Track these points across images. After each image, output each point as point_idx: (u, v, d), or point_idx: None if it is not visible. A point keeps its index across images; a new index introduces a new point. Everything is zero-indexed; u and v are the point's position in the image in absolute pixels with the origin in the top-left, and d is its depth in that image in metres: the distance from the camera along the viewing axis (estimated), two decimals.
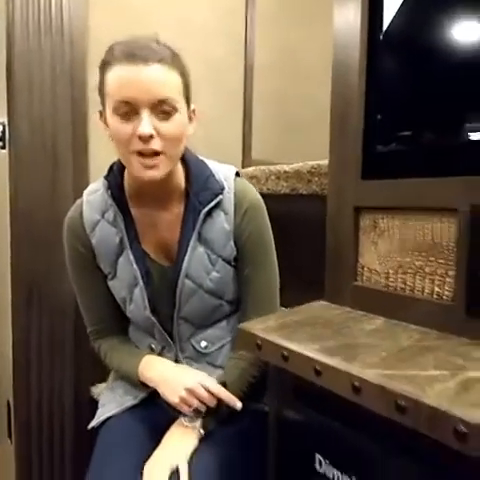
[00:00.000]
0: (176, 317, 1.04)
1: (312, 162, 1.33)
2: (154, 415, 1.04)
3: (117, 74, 0.87)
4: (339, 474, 0.64)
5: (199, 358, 1.06)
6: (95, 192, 1.06)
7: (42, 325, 1.54)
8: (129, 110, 0.87)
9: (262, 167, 1.55)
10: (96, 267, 1.06)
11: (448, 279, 0.66)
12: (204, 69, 1.77)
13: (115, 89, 0.88)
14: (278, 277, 1.07)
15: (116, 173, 1.04)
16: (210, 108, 1.75)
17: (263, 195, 1.09)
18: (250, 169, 1.61)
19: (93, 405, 1.18)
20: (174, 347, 1.07)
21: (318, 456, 0.67)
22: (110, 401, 1.11)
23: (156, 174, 0.91)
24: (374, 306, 0.74)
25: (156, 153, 0.90)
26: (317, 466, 0.67)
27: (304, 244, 1.31)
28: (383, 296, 0.74)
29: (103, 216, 1.03)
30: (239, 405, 0.96)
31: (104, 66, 0.90)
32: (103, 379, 1.28)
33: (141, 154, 0.89)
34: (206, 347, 1.07)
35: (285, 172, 1.43)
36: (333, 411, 0.64)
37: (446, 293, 0.66)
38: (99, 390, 1.53)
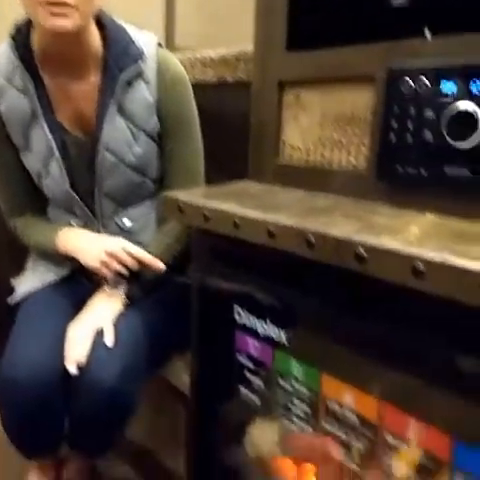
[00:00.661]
0: (97, 192, 1.01)
1: (239, 47, 1.29)
2: (77, 291, 1.05)
3: None
4: (255, 320, 0.70)
5: (123, 236, 1.05)
6: (0, 54, 0.96)
7: None
8: None
9: (187, 54, 1.48)
10: (6, 137, 1.00)
11: (363, 149, 0.69)
12: None
13: None
14: (202, 154, 1.06)
15: (23, 32, 0.95)
16: None
17: None
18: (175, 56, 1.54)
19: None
20: (96, 224, 1.05)
21: (236, 308, 0.72)
22: (31, 279, 1.10)
23: (66, 24, 0.84)
24: (295, 182, 0.77)
25: (66, 4, 0.82)
26: (236, 317, 0.73)
27: (231, 133, 1.31)
28: (304, 171, 0.77)
29: (11, 82, 0.95)
30: (162, 266, 0.96)
31: None
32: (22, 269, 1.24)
33: (49, 4, 0.81)
34: (130, 226, 1.06)
35: (211, 59, 1.38)
36: (247, 265, 0.67)
37: (361, 163, 0.70)
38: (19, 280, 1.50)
